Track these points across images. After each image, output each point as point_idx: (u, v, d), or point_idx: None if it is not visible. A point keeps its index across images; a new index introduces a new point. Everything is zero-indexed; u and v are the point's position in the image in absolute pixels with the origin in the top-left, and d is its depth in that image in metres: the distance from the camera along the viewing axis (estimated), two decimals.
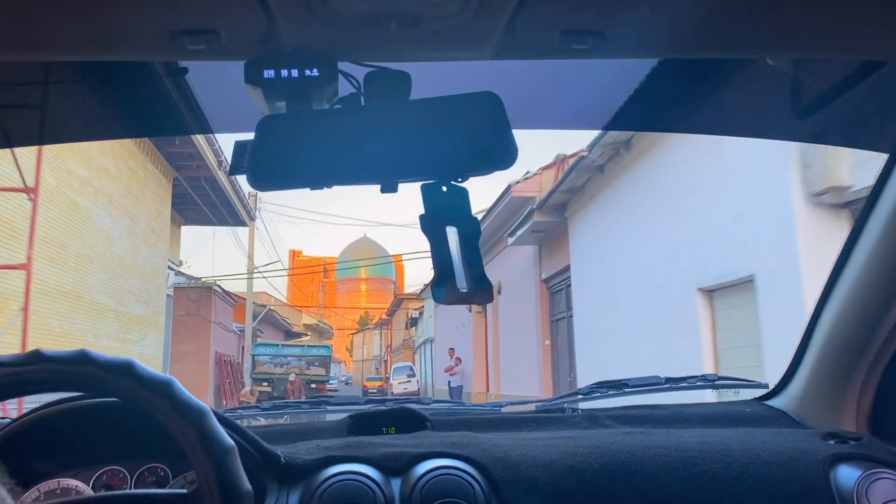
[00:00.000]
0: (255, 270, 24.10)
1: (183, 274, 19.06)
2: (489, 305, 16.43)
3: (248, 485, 0.81)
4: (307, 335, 39.53)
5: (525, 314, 15.90)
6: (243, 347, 24.22)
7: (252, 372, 23.65)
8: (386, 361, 45.16)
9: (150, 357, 14.07)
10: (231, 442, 0.82)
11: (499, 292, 17.04)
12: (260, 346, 25.22)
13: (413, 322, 36.26)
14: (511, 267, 16.69)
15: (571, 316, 13.20)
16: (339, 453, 1.14)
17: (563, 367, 14.11)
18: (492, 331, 19.01)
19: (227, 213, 18.69)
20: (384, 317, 47.00)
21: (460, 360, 20.24)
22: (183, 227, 19.11)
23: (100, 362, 0.79)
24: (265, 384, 23.15)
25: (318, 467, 1.11)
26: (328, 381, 25.29)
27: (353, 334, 59.11)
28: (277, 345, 26.31)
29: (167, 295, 16.42)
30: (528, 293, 15.82)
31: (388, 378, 32.21)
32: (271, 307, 31.72)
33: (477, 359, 20.35)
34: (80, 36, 0.85)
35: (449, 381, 20.47)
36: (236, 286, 25.40)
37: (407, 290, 47.77)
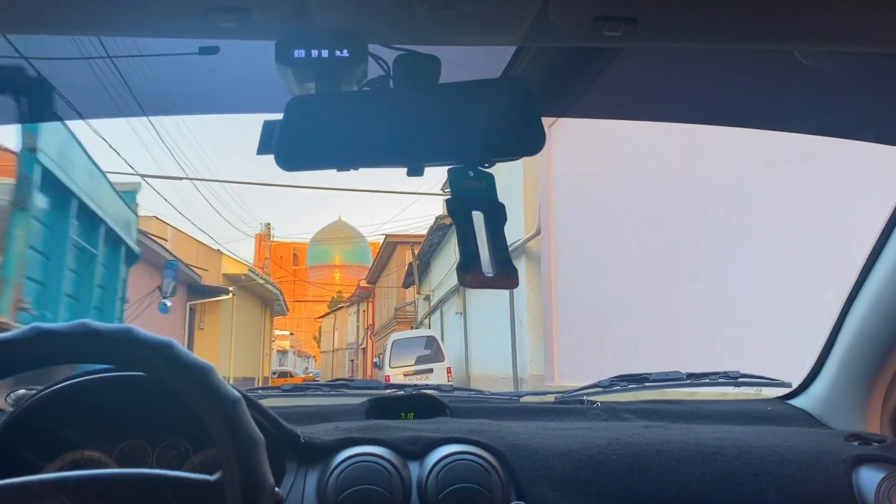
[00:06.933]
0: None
1: None
2: None
3: (258, 430, 0.84)
4: (231, 291, 17.59)
5: None
6: None
7: None
8: (364, 349, 31.81)
9: None
10: (236, 394, 0.84)
11: None
12: None
13: (423, 263, 19.33)
14: None
15: None
16: (357, 435, 1.15)
17: None
18: None
19: None
20: (364, 284, 32.57)
21: None
22: None
23: (99, 331, 0.81)
24: None
25: (336, 448, 1.12)
26: None
27: (321, 318, 47.94)
28: None
29: None
30: None
31: (376, 364, 17.48)
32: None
33: None
34: (112, 12, 0.85)
35: None
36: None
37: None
